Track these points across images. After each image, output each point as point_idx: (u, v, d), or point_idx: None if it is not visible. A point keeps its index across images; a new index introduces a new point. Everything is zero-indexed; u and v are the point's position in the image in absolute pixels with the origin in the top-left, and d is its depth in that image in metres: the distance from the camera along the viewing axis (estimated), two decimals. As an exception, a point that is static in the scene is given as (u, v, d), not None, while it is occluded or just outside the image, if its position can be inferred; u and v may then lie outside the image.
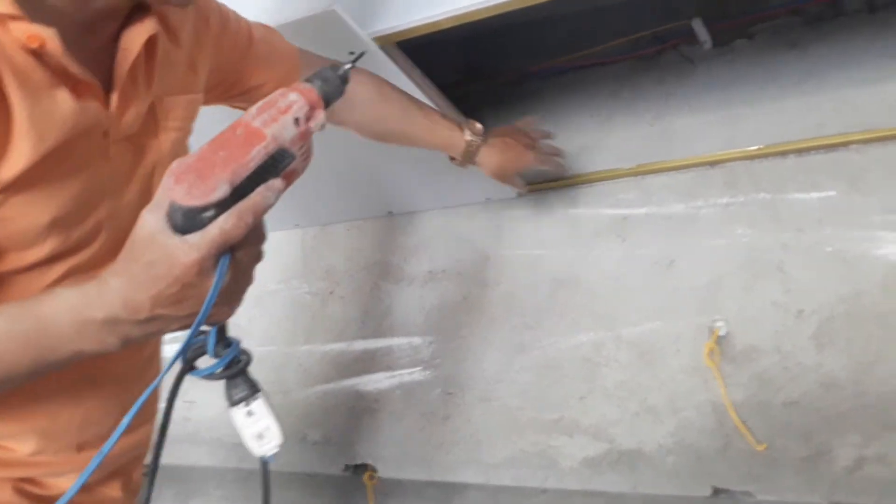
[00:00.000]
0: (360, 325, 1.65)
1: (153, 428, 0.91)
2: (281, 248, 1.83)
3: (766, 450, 1.18)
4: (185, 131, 0.82)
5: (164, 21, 0.72)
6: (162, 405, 0.70)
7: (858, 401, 1.13)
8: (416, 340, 1.56)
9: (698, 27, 1.34)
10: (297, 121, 0.60)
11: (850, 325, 1.15)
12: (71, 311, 0.58)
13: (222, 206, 0.55)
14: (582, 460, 1.33)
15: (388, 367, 1.58)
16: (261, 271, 1.92)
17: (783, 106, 1.27)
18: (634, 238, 1.35)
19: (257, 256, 0.60)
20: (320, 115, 0.62)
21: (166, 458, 0.70)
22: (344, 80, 0.66)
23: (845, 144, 1.21)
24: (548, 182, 1.45)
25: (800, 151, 1.23)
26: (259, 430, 0.66)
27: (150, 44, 0.70)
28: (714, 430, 1.23)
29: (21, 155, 0.59)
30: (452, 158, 1.18)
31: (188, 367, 0.64)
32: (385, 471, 1.54)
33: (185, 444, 1.83)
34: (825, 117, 1.23)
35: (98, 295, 0.57)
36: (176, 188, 0.54)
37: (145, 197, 0.76)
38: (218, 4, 0.88)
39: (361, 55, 0.74)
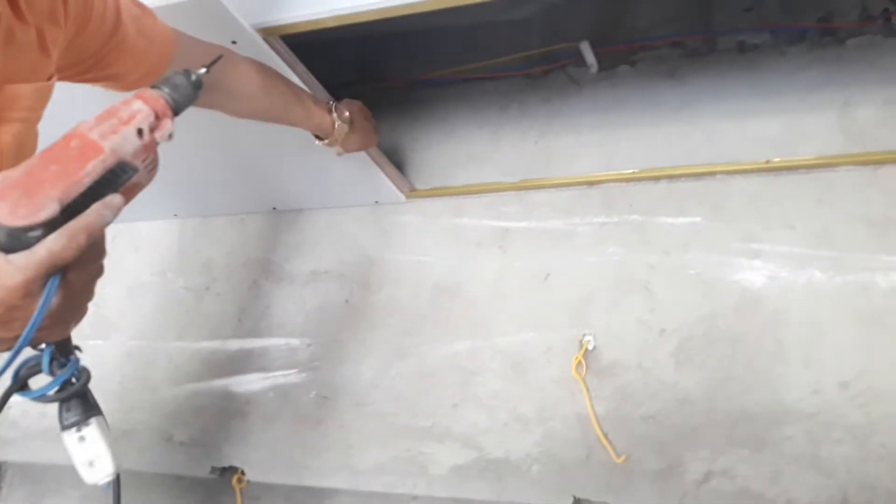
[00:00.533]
0: (236, 323, 1.59)
1: None
2: (157, 239, 1.74)
3: (624, 462, 1.23)
4: (32, 121, 0.74)
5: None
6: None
7: (708, 417, 1.20)
8: (294, 342, 1.53)
9: (586, 50, 1.38)
10: (140, 132, 0.56)
11: (706, 345, 1.22)
12: None
13: (52, 225, 0.51)
14: (451, 468, 1.34)
15: (263, 368, 1.53)
16: (134, 262, 1.83)
17: (659, 132, 1.33)
18: (514, 250, 1.37)
19: (96, 273, 0.56)
20: (167, 124, 0.59)
21: (18, 456, 0.65)
22: (197, 86, 0.63)
23: (712, 174, 1.28)
24: (435, 189, 1.45)
25: (671, 177, 1.29)
26: (90, 457, 0.62)
27: None
28: (578, 440, 1.27)
29: None
30: (318, 138, 1.19)
31: (18, 387, 0.59)
32: (254, 474, 1.50)
33: (39, 441, 1.71)
34: (695, 146, 1.30)
35: None
36: None
37: None
38: None
39: (217, 60, 0.70)
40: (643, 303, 1.26)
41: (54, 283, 0.52)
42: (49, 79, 0.73)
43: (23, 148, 0.73)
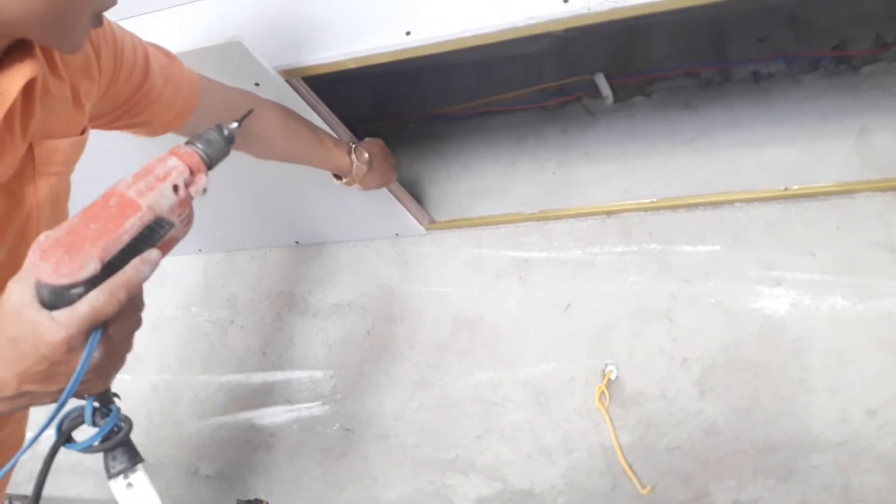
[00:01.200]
0: (260, 356, 1.61)
1: (7, 481, 0.86)
2: (182, 274, 1.77)
3: (650, 492, 1.22)
4: (66, 174, 0.77)
5: (46, 55, 0.68)
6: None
7: (734, 446, 1.19)
8: (317, 374, 1.54)
9: (601, 82, 1.40)
10: (175, 188, 0.58)
11: (730, 374, 1.22)
12: None
13: (93, 281, 0.52)
14: (475, 500, 1.34)
15: (287, 401, 1.55)
16: (159, 296, 1.86)
17: (676, 162, 1.34)
18: (534, 281, 1.38)
19: (135, 325, 0.57)
20: (202, 179, 0.60)
21: (47, 490, 0.66)
22: (229, 141, 0.64)
23: (730, 202, 1.28)
24: (454, 221, 1.47)
25: (689, 206, 1.30)
26: (139, 502, 0.63)
27: (29, 86, 0.64)
28: (603, 471, 1.27)
29: None
30: (337, 177, 1.22)
31: (64, 440, 0.61)
32: (278, 507, 1.51)
33: (69, 476, 1.73)
34: (713, 175, 1.31)
35: None
36: (42, 265, 0.51)
37: (21, 247, 0.72)
38: (112, 29, 0.81)
39: (248, 114, 0.71)
40: (665, 332, 1.26)
41: (96, 337, 0.53)
42: (82, 132, 0.76)
43: (57, 200, 0.76)
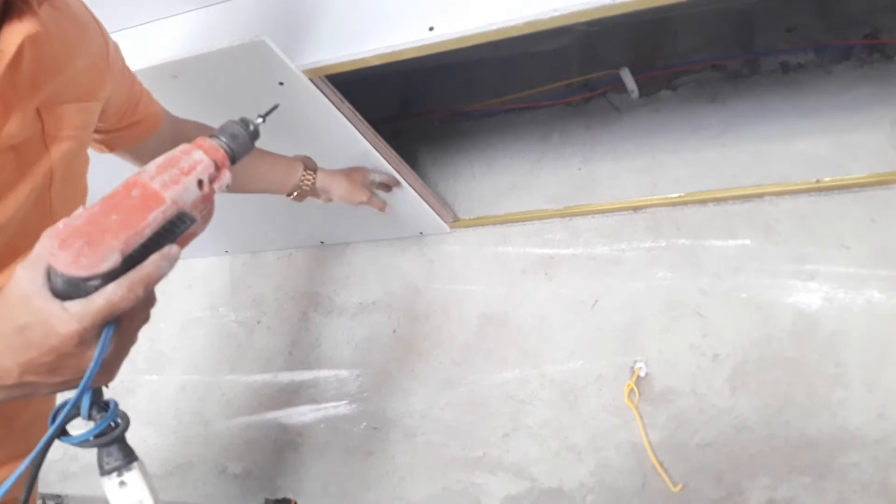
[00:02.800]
0: (286, 356, 1.62)
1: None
2: (209, 275, 1.79)
3: (681, 490, 1.20)
4: (81, 140, 0.76)
5: (50, 21, 0.67)
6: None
7: (768, 443, 1.17)
8: (344, 373, 1.54)
9: (626, 77, 1.39)
10: (200, 183, 0.56)
11: (762, 370, 1.19)
12: None
13: (111, 274, 0.50)
14: (503, 498, 1.33)
15: (314, 400, 1.55)
16: (187, 298, 1.88)
17: (703, 156, 1.32)
18: (561, 277, 1.37)
19: (144, 320, 0.56)
20: (225, 175, 0.58)
21: (78, 489, 0.65)
22: (254, 136, 0.62)
23: (760, 195, 1.26)
24: (478, 218, 1.47)
25: (718, 200, 1.28)
26: (132, 502, 0.60)
27: (34, 46, 0.64)
28: (633, 469, 1.25)
29: None
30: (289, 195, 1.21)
31: (59, 433, 0.58)
32: (306, 506, 1.51)
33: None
34: (742, 168, 1.29)
35: None
36: (60, 255, 0.49)
37: (42, 212, 0.72)
38: (115, 45, 0.86)
39: (274, 108, 0.69)
40: (695, 328, 1.24)
41: (109, 331, 0.52)
42: (95, 100, 0.77)
43: (72, 169, 0.76)
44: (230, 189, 1.03)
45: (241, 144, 0.61)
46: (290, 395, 1.58)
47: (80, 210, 0.53)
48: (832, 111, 1.28)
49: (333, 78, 1.13)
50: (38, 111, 0.68)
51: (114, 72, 0.82)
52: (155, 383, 1.74)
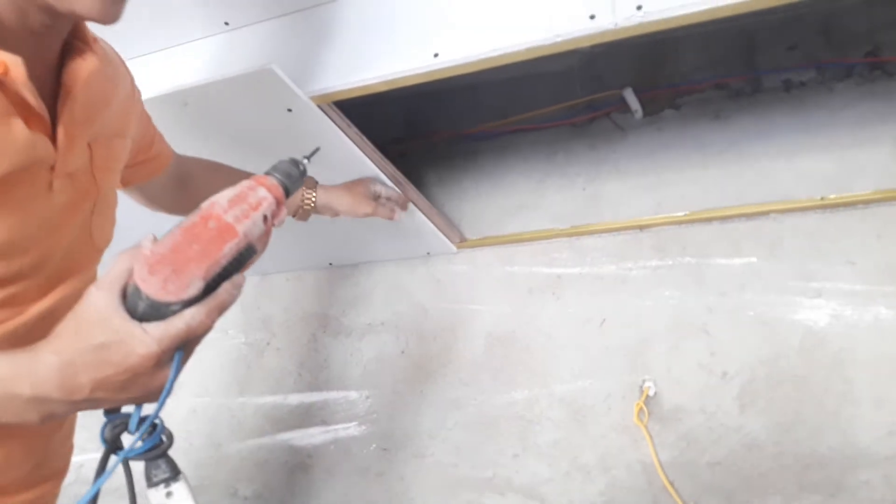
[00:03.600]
0: (296, 377, 1.62)
1: (60, 484, 0.88)
2: (219, 297, 1.80)
3: (692, 509, 1.20)
4: (118, 173, 0.81)
5: (102, 60, 0.72)
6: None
7: (778, 461, 1.16)
8: (353, 394, 1.55)
9: (629, 97, 1.40)
10: (265, 218, 0.60)
11: (770, 388, 1.19)
12: None
13: (189, 301, 0.54)
14: (514, 519, 1.33)
15: (324, 422, 1.56)
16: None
17: (708, 174, 1.33)
18: (568, 297, 1.38)
19: (199, 343, 0.59)
20: (283, 212, 0.62)
21: None
22: (303, 174, 0.66)
23: (765, 213, 1.27)
24: (485, 239, 1.48)
25: (723, 218, 1.29)
26: None
27: (90, 82, 0.69)
28: (643, 489, 1.25)
29: None
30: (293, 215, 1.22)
31: (113, 448, 0.62)
32: (317, 528, 1.51)
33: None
34: (746, 186, 1.30)
35: (29, 370, 0.54)
36: (150, 280, 0.53)
37: (84, 239, 0.75)
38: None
39: (316, 150, 0.73)
40: (703, 346, 1.24)
41: (181, 355, 0.55)
42: (129, 138, 0.82)
43: (108, 199, 0.80)
44: None
45: (293, 183, 0.65)
46: (300, 417, 1.58)
47: (149, 235, 0.57)
48: (835, 129, 1.29)
49: (340, 103, 1.14)
50: (87, 144, 0.72)
51: (137, 109, 0.86)
52: (166, 406, 1.74)
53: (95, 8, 0.62)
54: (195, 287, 0.54)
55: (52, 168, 0.66)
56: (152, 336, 0.53)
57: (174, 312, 0.54)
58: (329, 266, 1.68)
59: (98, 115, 0.72)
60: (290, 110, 1.12)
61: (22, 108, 0.60)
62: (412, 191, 1.35)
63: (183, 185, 1.07)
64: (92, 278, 0.80)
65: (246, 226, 0.57)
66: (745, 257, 1.26)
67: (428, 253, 1.55)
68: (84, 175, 0.73)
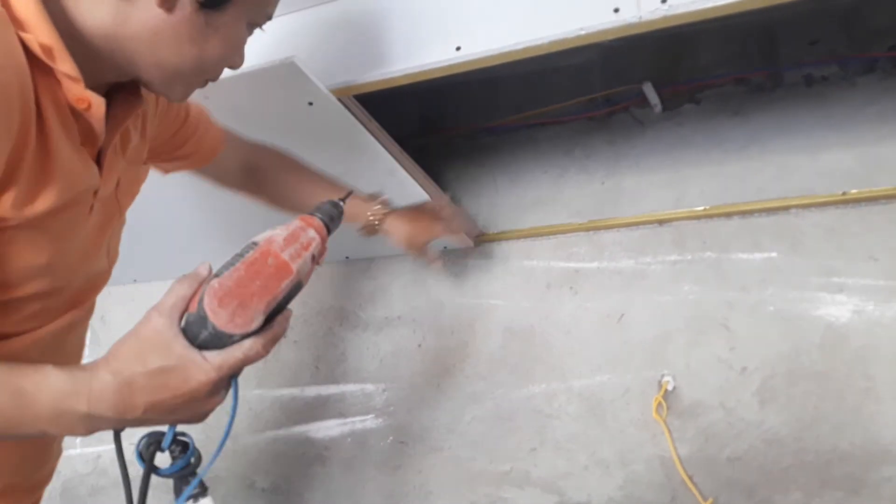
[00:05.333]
0: (313, 370, 1.63)
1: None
2: (236, 291, 1.81)
3: (711, 505, 1.20)
4: (136, 196, 0.84)
5: (147, 97, 0.76)
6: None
7: (798, 457, 1.16)
8: (370, 387, 1.55)
9: (649, 91, 1.39)
10: (313, 257, 0.64)
11: (791, 383, 1.19)
12: (54, 396, 0.56)
13: (250, 332, 0.58)
14: (531, 513, 1.33)
15: (341, 414, 1.56)
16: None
17: (727, 169, 1.33)
18: (586, 291, 1.37)
19: None
20: (325, 253, 0.67)
21: (109, 503, 0.70)
22: (341, 215, 0.71)
23: (786, 208, 1.26)
24: (502, 233, 1.48)
25: (744, 213, 1.28)
26: None
27: (136, 116, 0.73)
28: (662, 484, 1.25)
29: (48, 198, 0.60)
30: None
31: (152, 468, 0.64)
32: (334, 521, 1.52)
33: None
34: (767, 181, 1.29)
35: (88, 388, 0.56)
36: (220, 312, 0.56)
37: (103, 257, 0.78)
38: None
39: (350, 194, 0.78)
40: (723, 341, 1.24)
41: (237, 382, 0.59)
42: (145, 162, 0.85)
43: (123, 221, 0.84)
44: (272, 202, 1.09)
45: (335, 224, 0.70)
46: (317, 410, 1.59)
47: (205, 263, 0.62)
48: (857, 123, 1.28)
49: (360, 96, 1.15)
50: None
51: (155, 122, 0.87)
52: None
53: (181, 98, 0.70)
54: (258, 321, 0.57)
55: (95, 193, 0.70)
56: (212, 364, 0.56)
57: (233, 342, 0.57)
58: (346, 259, 1.68)
59: (130, 143, 0.76)
60: (310, 104, 1.12)
61: (88, 137, 0.64)
62: (430, 185, 1.35)
63: (250, 174, 1.09)
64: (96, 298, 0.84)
65: (299, 264, 0.61)
66: (765, 252, 1.26)
67: (445, 247, 1.55)
68: (110, 198, 0.76)
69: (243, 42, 0.72)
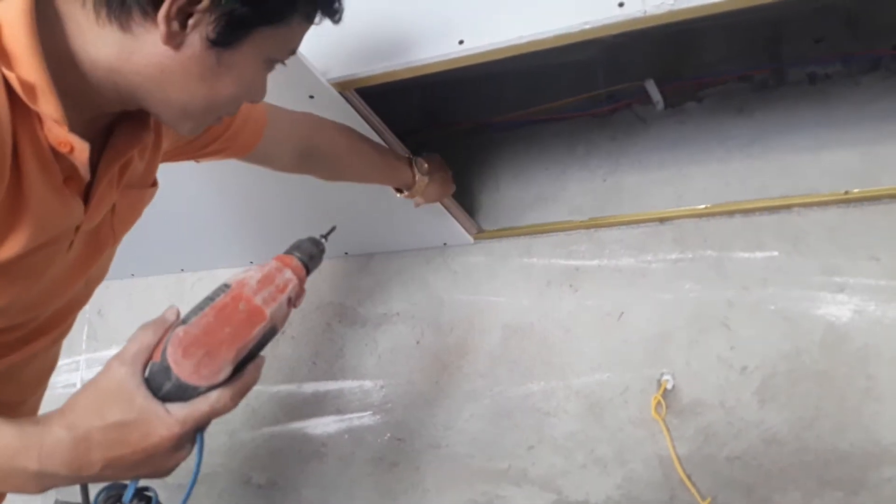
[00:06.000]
0: (310, 366, 1.62)
1: None
2: (234, 286, 1.80)
3: (709, 504, 1.19)
4: (138, 218, 0.80)
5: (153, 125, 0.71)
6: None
7: (798, 457, 1.15)
8: (367, 384, 1.54)
9: (651, 88, 1.39)
10: (289, 300, 0.60)
11: (791, 383, 1.18)
12: (2, 454, 0.52)
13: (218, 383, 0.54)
14: (529, 511, 1.32)
15: (338, 411, 1.56)
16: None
17: (730, 167, 1.32)
18: (586, 289, 1.37)
19: None
20: (303, 295, 0.63)
21: None
22: (322, 253, 0.68)
23: (788, 207, 1.25)
24: (503, 230, 1.47)
25: (745, 212, 1.27)
26: None
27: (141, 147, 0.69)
28: (660, 483, 1.24)
29: (15, 244, 0.56)
30: (398, 191, 1.22)
31: None
32: (330, 517, 1.51)
33: None
34: (769, 180, 1.28)
35: (39, 443, 0.52)
36: (184, 362, 0.53)
37: (83, 284, 0.74)
38: None
39: (333, 229, 0.74)
40: (723, 340, 1.24)
41: (202, 437, 0.55)
42: (153, 185, 0.79)
43: (115, 247, 0.79)
44: (350, 178, 1.11)
45: (314, 264, 0.67)
46: (315, 406, 1.58)
47: (173, 308, 0.57)
48: (861, 122, 1.27)
49: (362, 90, 1.14)
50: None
51: (166, 142, 0.82)
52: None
53: (191, 133, 0.66)
54: (226, 372, 0.54)
55: (77, 228, 0.65)
56: (175, 418, 0.52)
57: (199, 394, 0.54)
58: (345, 255, 1.67)
59: (130, 170, 0.71)
60: (311, 97, 1.12)
61: (71, 177, 0.60)
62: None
63: (302, 159, 1.04)
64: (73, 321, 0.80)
65: (273, 309, 0.58)
66: (767, 251, 1.25)
67: (445, 243, 1.54)
68: (104, 227, 0.71)
69: (261, 79, 0.68)
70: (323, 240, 0.69)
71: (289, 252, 0.65)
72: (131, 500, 0.60)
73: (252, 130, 0.93)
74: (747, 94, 1.39)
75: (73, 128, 0.56)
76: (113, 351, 0.61)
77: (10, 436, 0.52)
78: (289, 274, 0.61)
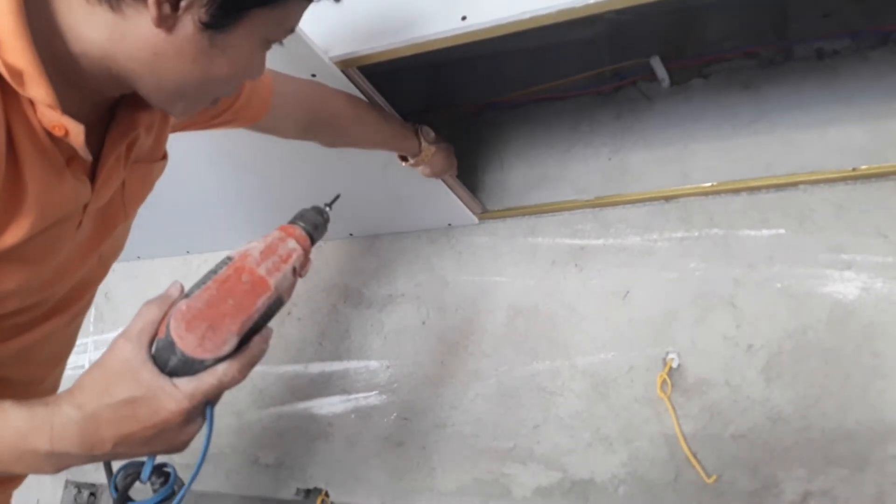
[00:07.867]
0: (316, 347, 1.63)
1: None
2: (239, 268, 1.80)
3: (715, 482, 1.19)
4: (149, 192, 0.79)
5: None
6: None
7: (804, 435, 1.15)
8: (373, 364, 1.55)
9: (657, 65, 1.37)
10: (293, 270, 0.60)
11: (797, 361, 1.18)
12: (13, 436, 0.53)
13: (224, 356, 0.54)
14: (535, 489, 1.33)
15: (344, 391, 1.56)
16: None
17: (735, 144, 1.31)
18: (591, 268, 1.36)
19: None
20: (309, 264, 0.62)
21: None
22: (327, 221, 0.67)
23: (794, 184, 1.24)
24: (507, 210, 1.46)
25: (751, 189, 1.27)
26: None
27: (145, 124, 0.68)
28: (666, 461, 1.25)
29: (19, 230, 0.56)
30: (403, 159, 1.23)
31: (124, 499, 0.60)
32: (337, 495, 1.52)
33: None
34: (776, 157, 1.27)
35: (48, 424, 0.52)
36: (187, 337, 0.52)
37: (97, 262, 0.74)
38: None
39: (338, 197, 0.73)
40: (729, 318, 1.23)
41: (212, 409, 0.55)
42: (163, 157, 0.79)
43: (128, 224, 0.79)
44: (356, 145, 1.10)
45: (319, 233, 0.66)
46: (321, 386, 1.59)
47: (176, 284, 0.57)
48: (868, 98, 1.26)
49: (365, 69, 1.13)
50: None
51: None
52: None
53: (183, 115, 0.65)
54: (231, 344, 0.54)
55: (85, 207, 0.65)
56: (183, 392, 0.52)
57: (206, 368, 0.53)
58: (350, 236, 1.67)
59: (137, 146, 0.70)
60: (314, 76, 1.11)
61: (72, 160, 0.60)
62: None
63: (308, 128, 1.05)
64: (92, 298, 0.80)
65: (277, 279, 0.57)
66: (773, 229, 1.24)
67: (449, 224, 1.54)
68: (114, 204, 0.71)
69: (258, 60, 0.66)
70: (327, 208, 0.69)
71: (292, 222, 0.65)
72: (149, 477, 0.60)
73: (260, 100, 0.93)
74: (754, 71, 1.37)
75: (69, 110, 0.55)
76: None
77: (21, 418, 0.53)
78: (292, 244, 0.60)
